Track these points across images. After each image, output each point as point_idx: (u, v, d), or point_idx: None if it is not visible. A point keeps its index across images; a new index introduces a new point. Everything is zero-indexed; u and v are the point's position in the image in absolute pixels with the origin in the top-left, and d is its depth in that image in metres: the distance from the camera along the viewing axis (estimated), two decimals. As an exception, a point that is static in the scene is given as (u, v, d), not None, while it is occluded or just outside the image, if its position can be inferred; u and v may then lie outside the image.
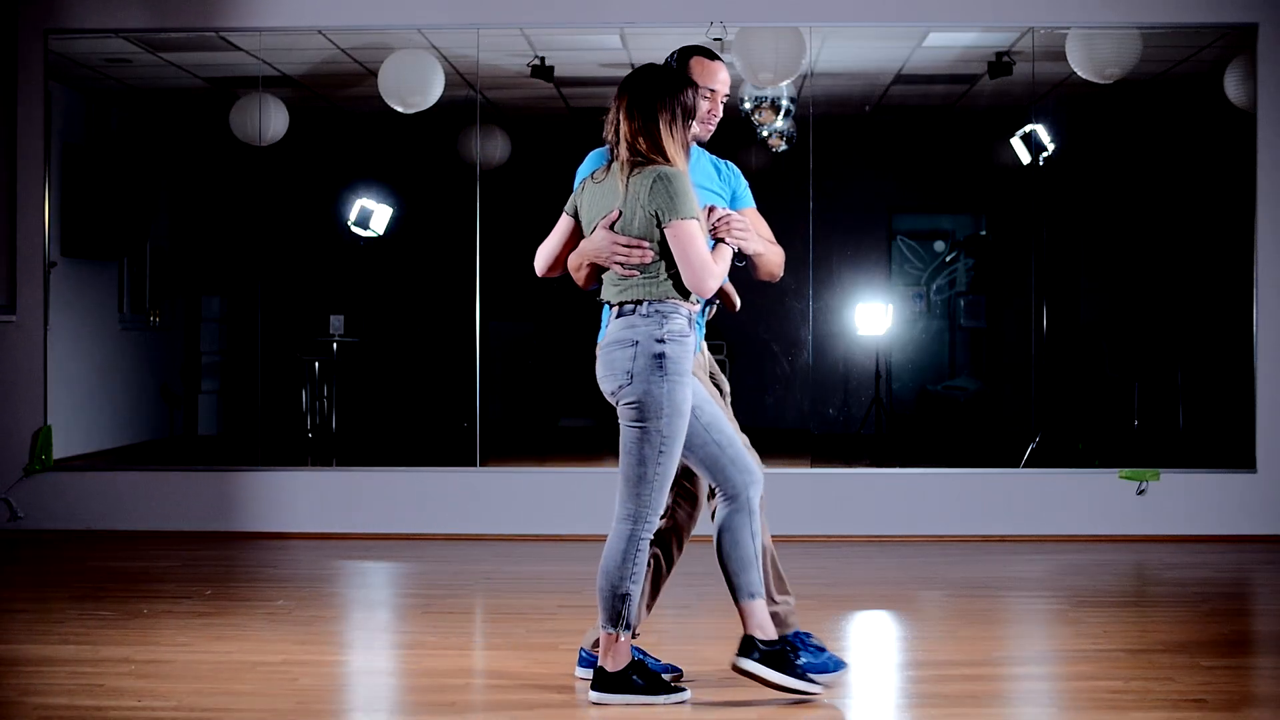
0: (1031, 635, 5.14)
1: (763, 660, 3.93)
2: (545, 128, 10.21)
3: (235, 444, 10.27)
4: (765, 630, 3.95)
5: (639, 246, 3.84)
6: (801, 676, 3.94)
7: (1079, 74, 7.45)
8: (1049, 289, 8.60)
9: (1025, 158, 8.22)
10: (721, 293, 4.19)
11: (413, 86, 7.72)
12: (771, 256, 4.20)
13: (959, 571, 6.29)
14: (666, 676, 4.11)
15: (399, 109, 7.79)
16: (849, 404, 9.73)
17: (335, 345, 9.84)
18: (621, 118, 3.92)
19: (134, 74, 8.83)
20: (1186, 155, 9.23)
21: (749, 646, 3.94)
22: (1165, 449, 8.98)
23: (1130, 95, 8.46)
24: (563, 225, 4.05)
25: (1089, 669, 4.36)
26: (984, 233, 10.80)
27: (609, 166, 3.95)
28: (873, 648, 4.89)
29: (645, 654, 4.19)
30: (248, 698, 4.00)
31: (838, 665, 4.06)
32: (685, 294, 3.89)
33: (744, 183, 4.33)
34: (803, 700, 3.94)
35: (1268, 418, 7.22)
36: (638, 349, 3.83)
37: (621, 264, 3.86)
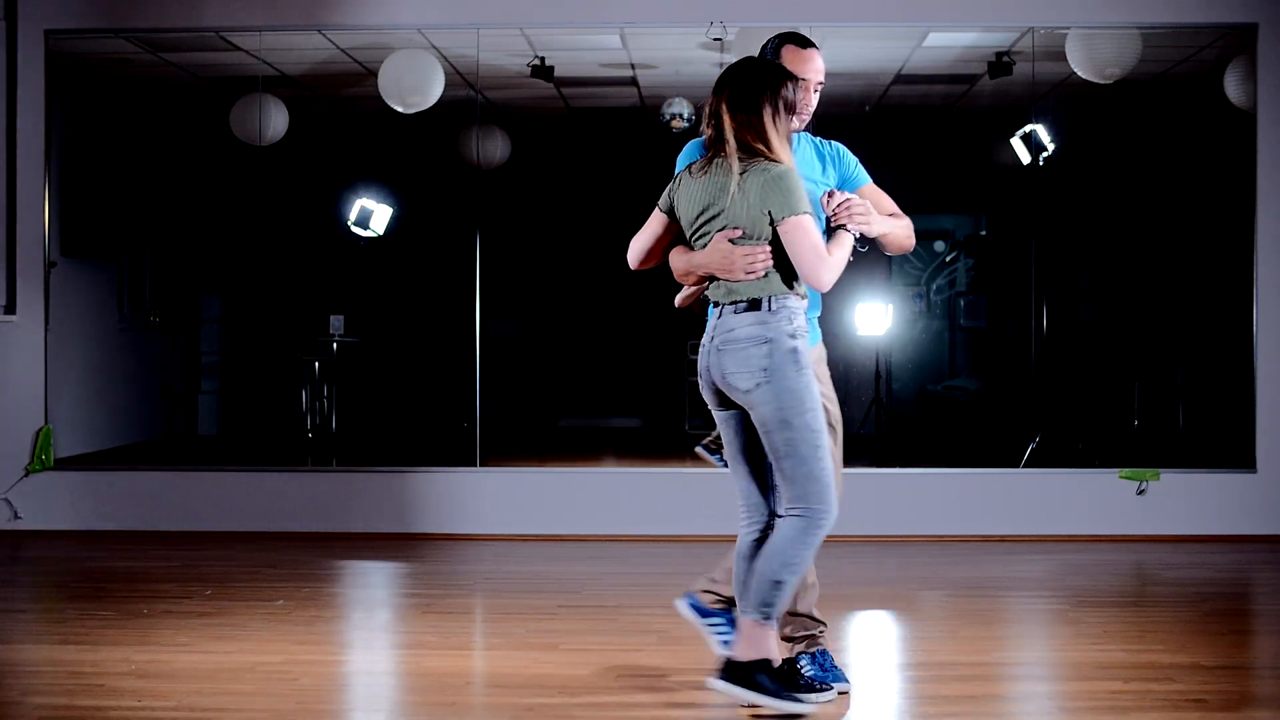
0: (1031, 635, 5.14)
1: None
2: (545, 128, 10.22)
3: (235, 444, 10.27)
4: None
5: (761, 252, 3.79)
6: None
7: (1079, 74, 7.45)
8: (1049, 289, 8.59)
9: (1025, 158, 8.22)
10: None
11: (413, 86, 7.72)
12: (898, 233, 4.14)
13: (959, 571, 6.29)
14: (835, 687, 4.01)
15: (399, 109, 7.79)
16: (849, 404, 9.72)
17: (335, 345, 9.84)
18: (724, 113, 3.84)
19: (134, 74, 8.84)
20: (1186, 155, 9.23)
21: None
22: (1165, 449, 8.99)
23: (1130, 95, 8.46)
24: (656, 221, 3.99)
25: (1089, 669, 4.36)
26: (984, 233, 10.80)
27: (708, 162, 3.87)
28: (873, 648, 4.89)
29: (822, 655, 4.09)
30: (248, 698, 4.00)
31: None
32: (800, 288, 3.86)
33: (852, 160, 4.25)
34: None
35: (1268, 418, 7.22)
36: (772, 345, 3.78)
37: (747, 272, 3.80)
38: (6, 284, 7.44)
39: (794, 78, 3.92)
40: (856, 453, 9.36)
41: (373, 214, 9.09)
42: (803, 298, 3.87)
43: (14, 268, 7.45)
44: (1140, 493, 7.17)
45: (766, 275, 3.81)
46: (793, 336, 3.80)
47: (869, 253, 4.18)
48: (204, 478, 7.38)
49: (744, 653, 3.79)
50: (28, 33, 7.44)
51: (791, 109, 3.88)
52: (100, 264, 9.29)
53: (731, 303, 3.84)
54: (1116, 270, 9.98)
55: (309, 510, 7.28)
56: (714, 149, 3.88)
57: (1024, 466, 7.62)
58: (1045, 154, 8.18)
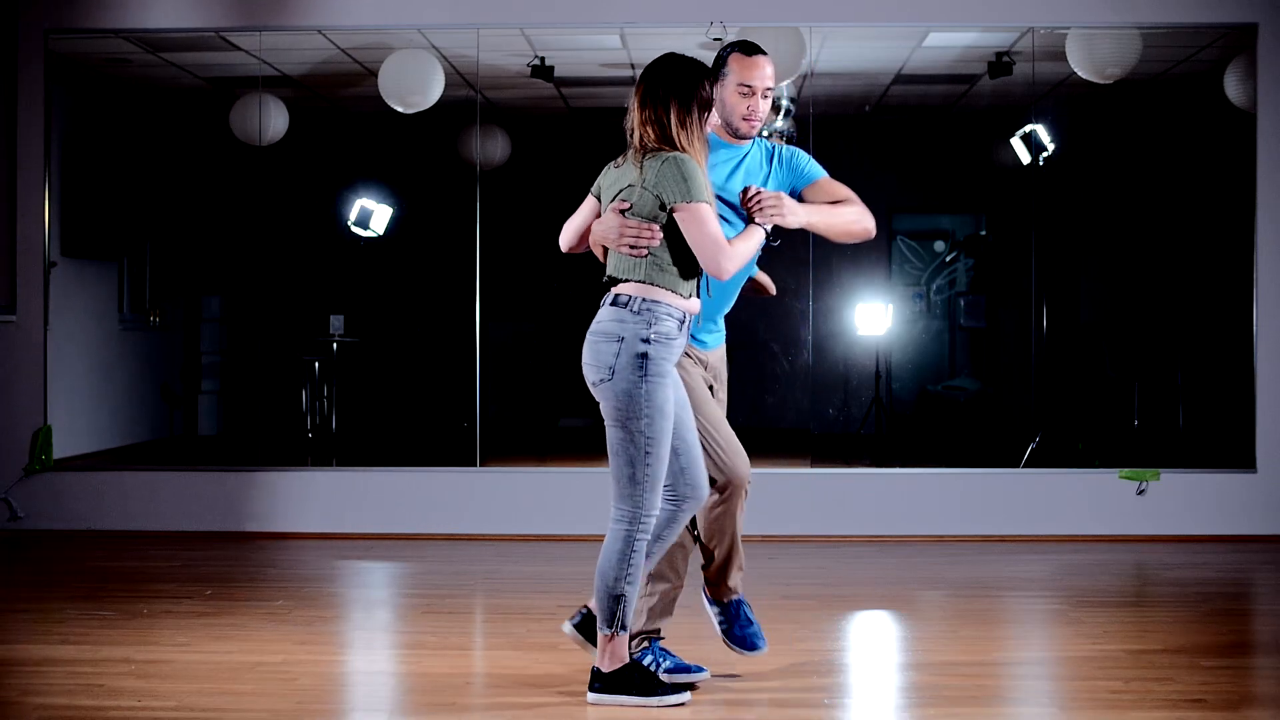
0: (1031, 635, 5.14)
1: (605, 689, 3.93)
2: (545, 128, 10.21)
3: (235, 444, 10.27)
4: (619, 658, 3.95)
5: (647, 229, 3.84)
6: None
7: (1079, 74, 7.45)
8: (1049, 289, 8.59)
9: (1025, 158, 8.22)
10: (753, 281, 4.20)
11: (413, 86, 7.72)
12: (837, 221, 4.11)
13: (959, 571, 6.29)
14: (689, 675, 4.12)
15: (399, 109, 7.79)
16: (849, 404, 9.74)
17: (335, 345, 9.83)
18: (635, 106, 3.92)
19: (134, 74, 8.83)
20: (1186, 155, 9.23)
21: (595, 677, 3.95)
22: (1165, 449, 8.98)
23: (1130, 95, 8.46)
24: (587, 205, 4.08)
25: (1089, 669, 4.36)
26: (984, 233, 10.80)
27: (624, 153, 3.98)
28: (873, 648, 4.89)
29: (669, 652, 4.20)
30: (248, 698, 4.00)
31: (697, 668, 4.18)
32: (686, 288, 3.88)
33: (805, 158, 4.24)
34: (792, 703, 3.94)
35: (1268, 418, 7.22)
36: (622, 345, 3.83)
37: (630, 245, 3.86)
38: (6, 284, 7.44)
39: (710, 77, 3.96)
40: (857, 453, 9.36)
41: (373, 214, 9.09)
42: (685, 299, 3.89)
43: (14, 268, 7.45)
44: (1140, 493, 7.17)
45: (656, 264, 3.84)
46: (646, 341, 3.82)
47: (860, 249, 4.20)
48: (204, 478, 7.38)
49: (609, 664, 3.91)
50: (28, 33, 7.44)
51: (706, 107, 3.92)
52: (100, 264, 9.29)
53: (611, 291, 3.91)
54: (1116, 270, 9.97)
55: (309, 510, 7.28)
56: (629, 137, 3.97)
57: (1024, 466, 7.62)
58: (1045, 154, 8.18)
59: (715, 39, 7.29)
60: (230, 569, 6.30)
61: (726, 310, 4.23)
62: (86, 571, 6.32)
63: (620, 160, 4.00)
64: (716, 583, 4.23)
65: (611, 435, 3.88)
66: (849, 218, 4.13)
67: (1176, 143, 9.31)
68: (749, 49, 4.17)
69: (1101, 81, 7.47)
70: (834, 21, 7.40)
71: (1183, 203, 9.34)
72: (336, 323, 9.80)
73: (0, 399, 7.42)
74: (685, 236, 3.83)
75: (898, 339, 10.07)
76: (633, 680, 3.90)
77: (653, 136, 3.87)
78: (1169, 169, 9.47)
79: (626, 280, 3.88)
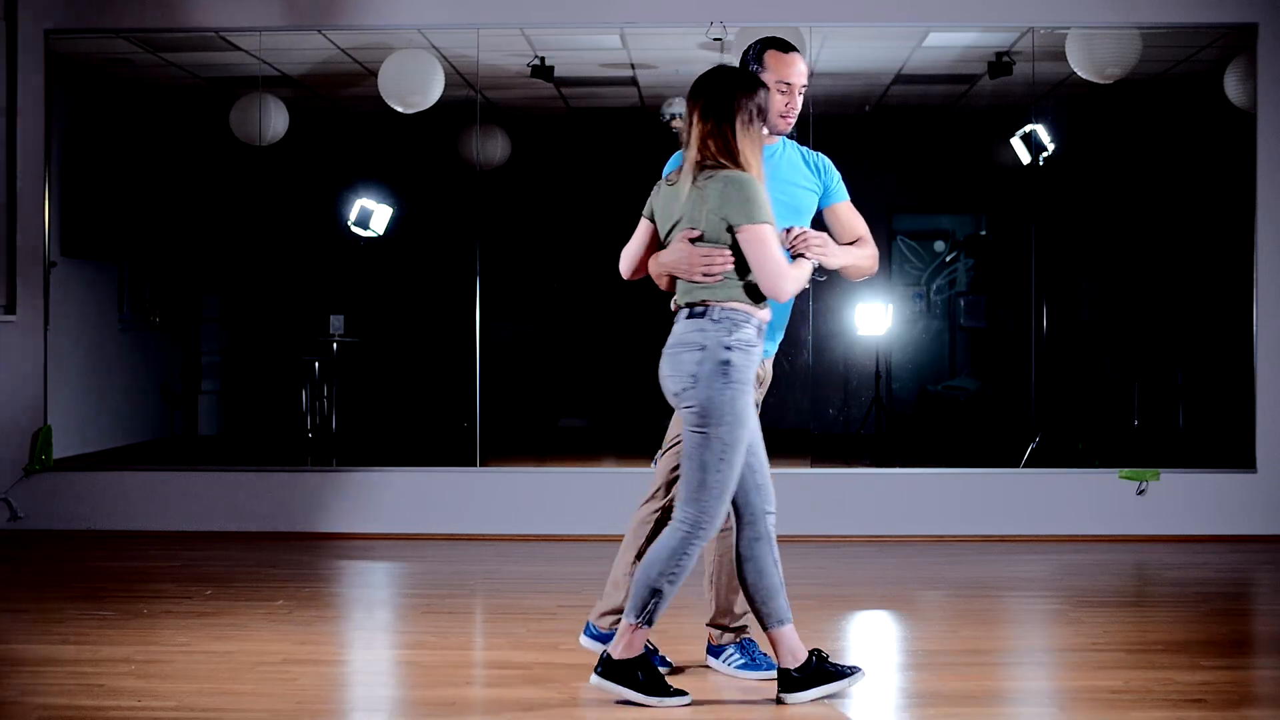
0: (1031, 635, 5.14)
1: (800, 685, 3.94)
2: (545, 128, 10.21)
3: (235, 444, 10.27)
4: (796, 656, 3.96)
5: (719, 255, 3.83)
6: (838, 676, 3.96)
7: (1079, 74, 7.45)
8: (1049, 289, 8.59)
9: (1025, 158, 8.22)
10: None
11: (413, 86, 7.72)
12: (861, 264, 4.24)
13: (959, 571, 6.30)
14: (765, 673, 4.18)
15: (399, 109, 7.79)
16: (849, 404, 9.74)
17: (335, 345, 9.84)
18: (695, 121, 3.88)
19: (134, 74, 8.84)
20: (1186, 155, 9.23)
21: (786, 680, 3.95)
22: (1165, 449, 8.98)
23: (1130, 95, 8.46)
24: (642, 229, 4.04)
25: (1089, 669, 4.36)
26: (984, 233, 10.80)
27: (680, 170, 3.94)
28: (873, 648, 4.89)
29: (656, 650, 4.22)
30: (248, 698, 4.00)
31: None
32: (757, 300, 3.89)
33: (836, 176, 4.30)
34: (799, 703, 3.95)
35: (1268, 418, 7.22)
36: (705, 353, 3.83)
37: (704, 274, 3.84)
38: (6, 284, 7.44)
39: (766, 86, 3.97)
40: (857, 453, 9.36)
41: (373, 214, 9.09)
42: (760, 308, 3.90)
43: (14, 268, 7.45)
44: (1140, 493, 7.17)
45: (725, 280, 3.84)
46: (728, 348, 3.82)
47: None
48: (204, 478, 7.38)
49: (622, 652, 3.90)
50: (28, 33, 7.44)
51: (763, 118, 3.92)
52: (100, 264, 9.29)
53: (686, 306, 3.90)
54: (1116, 270, 9.97)
55: (309, 510, 7.28)
56: (685, 153, 3.93)
57: (1024, 466, 7.62)
58: (1045, 154, 8.18)
59: (715, 39, 7.29)
60: (230, 569, 6.30)
61: (787, 319, 4.28)
62: (86, 571, 6.32)
63: (673, 177, 3.96)
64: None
65: (689, 441, 3.86)
66: (868, 263, 4.28)
67: (1176, 143, 9.31)
68: (784, 46, 4.18)
69: (1101, 81, 7.47)
70: (834, 21, 7.40)
71: (1183, 203, 9.34)
72: (336, 323, 9.80)
73: (0, 399, 7.42)
74: (746, 257, 3.83)
75: (898, 339, 10.07)
76: (637, 675, 3.89)
77: (714, 151, 3.84)
78: (1169, 169, 9.47)
79: (700, 299, 3.88)
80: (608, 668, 3.91)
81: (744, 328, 3.85)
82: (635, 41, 7.88)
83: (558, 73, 8.49)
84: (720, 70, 3.95)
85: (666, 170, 4.12)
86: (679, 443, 4.14)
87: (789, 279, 3.85)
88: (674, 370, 3.87)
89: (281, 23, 7.44)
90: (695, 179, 3.85)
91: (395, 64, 7.73)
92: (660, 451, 4.31)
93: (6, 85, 7.45)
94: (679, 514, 3.89)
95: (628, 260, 4.09)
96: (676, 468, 4.18)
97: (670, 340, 3.93)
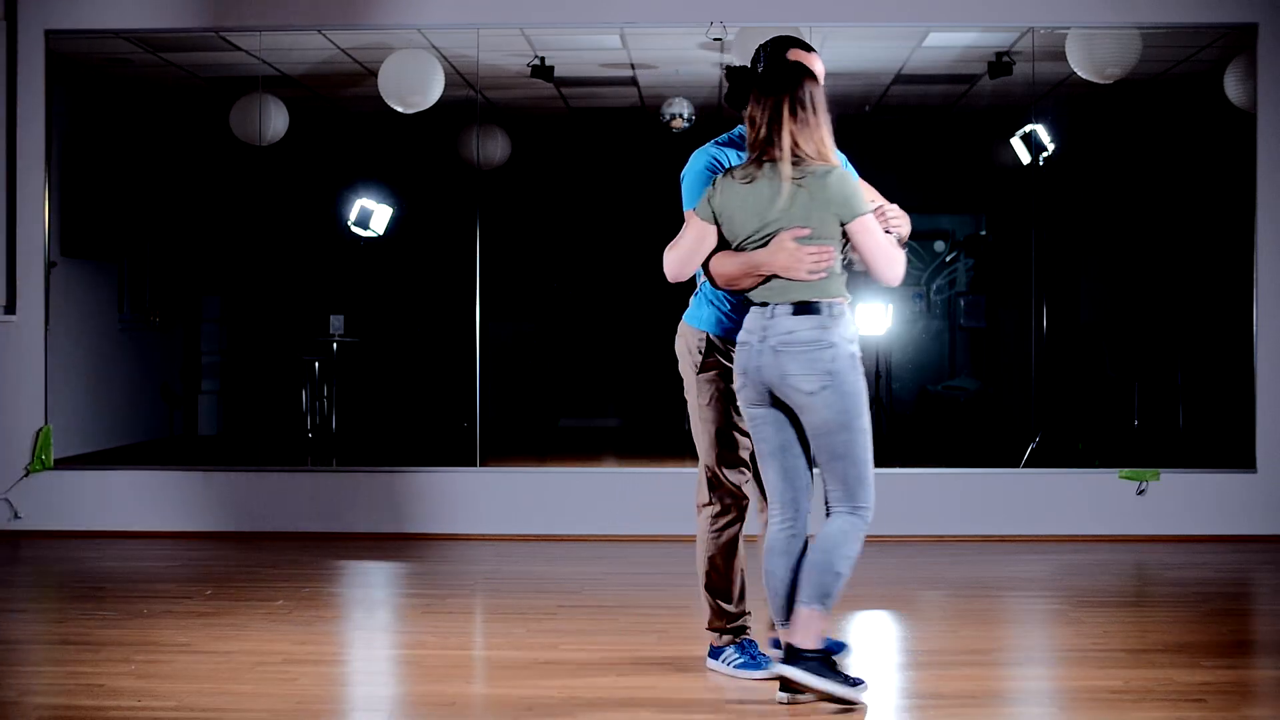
0: (1031, 635, 5.14)
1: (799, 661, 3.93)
2: (545, 128, 10.22)
3: (235, 444, 10.27)
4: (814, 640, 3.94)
5: (825, 252, 3.82)
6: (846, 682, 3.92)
7: (1079, 74, 7.45)
8: (1049, 289, 8.60)
9: (1025, 158, 8.22)
10: None
11: (413, 86, 7.72)
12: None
13: (959, 571, 6.29)
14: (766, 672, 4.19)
15: (399, 109, 7.79)
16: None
17: (335, 345, 9.84)
18: (786, 117, 3.83)
19: (134, 74, 8.84)
20: (1186, 155, 9.23)
21: (793, 654, 3.91)
22: (1165, 449, 8.99)
23: (1130, 95, 8.46)
24: (697, 229, 3.94)
25: (1089, 669, 4.36)
26: (984, 233, 10.80)
27: (757, 165, 3.86)
28: (873, 648, 4.89)
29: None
30: (248, 698, 4.00)
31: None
32: (843, 294, 3.92)
33: (853, 170, 4.30)
34: (807, 701, 3.94)
35: (1268, 418, 7.22)
36: (835, 350, 3.83)
37: (811, 272, 3.83)
38: (6, 284, 7.44)
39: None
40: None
41: (373, 214, 9.09)
42: (848, 299, 3.95)
43: (14, 268, 7.45)
44: (1140, 493, 7.17)
45: (828, 276, 3.85)
46: (850, 341, 3.87)
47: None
48: (204, 478, 7.38)
49: (810, 641, 3.86)
50: (28, 33, 7.44)
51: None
52: (100, 264, 9.29)
53: (789, 304, 3.86)
54: (1116, 270, 9.98)
55: (309, 510, 7.28)
56: (761, 151, 3.86)
57: (1024, 466, 7.62)
58: (1045, 154, 8.18)
59: (715, 39, 7.29)
60: (230, 569, 6.30)
61: None
62: (86, 571, 6.32)
63: (743, 176, 3.88)
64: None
65: (835, 441, 3.85)
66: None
67: (1176, 143, 9.32)
68: (805, 45, 4.18)
69: (1101, 81, 7.47)
70: (834, 21, 7.40)
71: (1183, 203, 9.35)
72: (336, 323, 9.81)
73: (0, 399, 7.43)
74: (859, 248, 3.86)
75: (898, 339, 10.07)
76: (830, 664, 3.88)
77: (804, 146, 3.83)
78: (1169, 169, 9.48)
79: (810, 296, 3.86)
80: (799, 659, 3.86)
81: (850, 321, 3.90)
82: (635, 41, 7.88)
83: (558, 73, 8.49)
84: (790, 66, 3.93)
85: (701, 168, 4.06)
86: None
87: (899, 262, 3.90)
88: (806, 369, 3.82)
89: (281, 23, 7.44)
90: (799, 177, 3.82)
91: (395, 64, 7.73)
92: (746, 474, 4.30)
93: (6, 85, 7.45)
94: (842, 505, 3.89)
95: (681, 263, 3.96)
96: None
97: (777, 339, 3.84)
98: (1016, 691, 4.23)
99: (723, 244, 3.95)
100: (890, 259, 3.88)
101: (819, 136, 3.85)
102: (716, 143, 4.23)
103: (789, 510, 3.97)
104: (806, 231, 3.82)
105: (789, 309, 3.85)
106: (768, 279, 3.87)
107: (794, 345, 3.83)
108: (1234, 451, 7.32)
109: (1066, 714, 3.88)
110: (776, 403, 3.91)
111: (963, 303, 10.59)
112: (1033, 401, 8.23)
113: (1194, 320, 9.24)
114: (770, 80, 3.89)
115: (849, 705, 3.85)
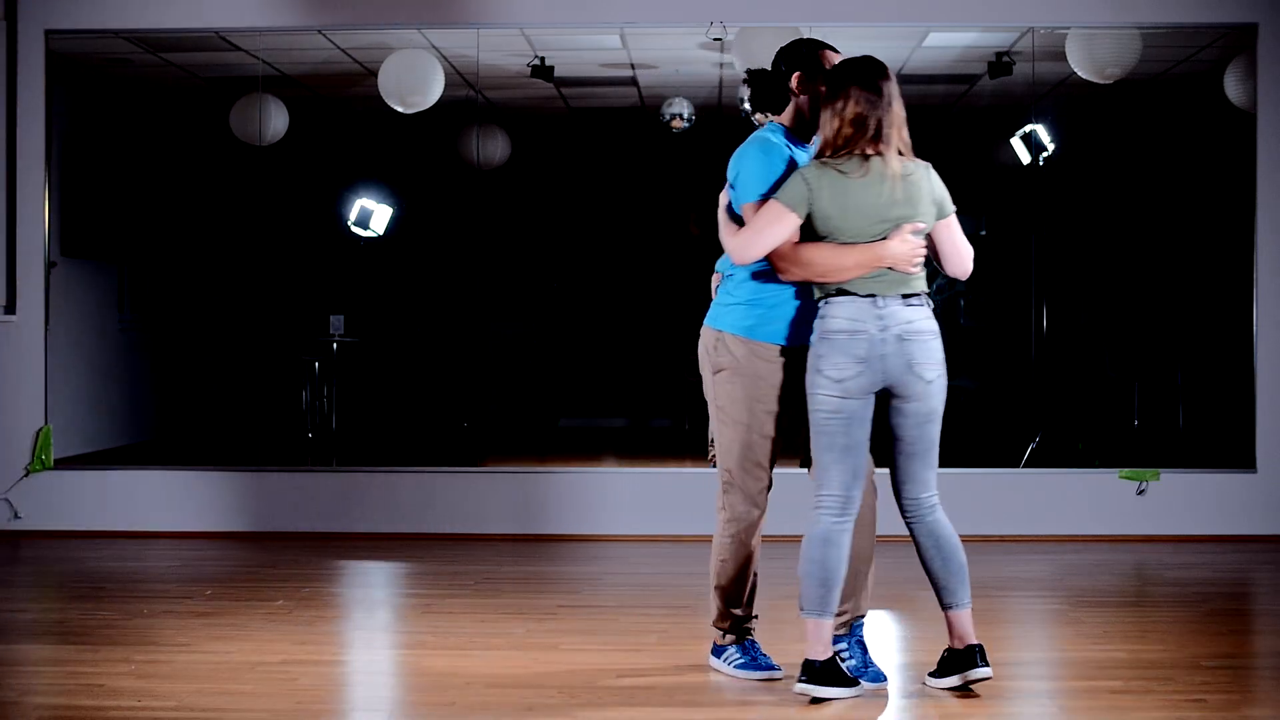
0: (1031, 635, 5.14)
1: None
2: (545, 128, 10.21)
3: (235, 444, 10.27)
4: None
5: (923, 244, 3.97)
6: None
7: (1079, 74, 7.45)
8: (1049, 289, 8.59)
9: (1025, 158, 8.22)
10: None
11: (413, 86, 7.72)
12: None
13: (959, 571, 6.28)
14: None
15: (399, 109, 7.79)
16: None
17: (335, 345, 9.84)
18: (896, 108, 3.93)
19: (134, 74, 8.84)
20: (1186, 155, 9.23)
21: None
22: (1165, 449, 8.98)
23: (1130, 95, 8.46)
24: (790, 222, 3.91)
25: (1089, 669, 4.36)
26: (984, 233, 10.80)
27: (864, 159, 3.90)
28: (873, 648, 4.88)
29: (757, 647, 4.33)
30: (248, 698, 4.00)
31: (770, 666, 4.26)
32: None
33: None
34: (802, 700, 3.94)
35: (1268, 418, 7.22)
36: (940, 340, 3.98)
37: (915, 264, 3.96)
38: (6, 284, 7.44)
39: None
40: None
41: (373, 214, 9.09)
42: None
43: (14, 268, 7.45)
44: (1140, 493, 7.17)
45: (920, 269, 3.99)
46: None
47: None
48: (204, 478, 7.38)
49: (975, 636, 4.03)
50: (28, 33, 7.44)
51: None
52: (100, 264, 9.29)
53: (903, 295, 3.94)
54: (1116, 270, 9.97)
55: (309, 510, 7.28)
56: (861, 145, 3.90)
57: (1024, 466, 7.62)
58: (1045, 154, 8.18)
59: (715, 39, 7.29)
60: (230, 569, 6.30)
61: None
62: (86, 571, 6.32)
63: (854, 170, 3.90)
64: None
65: (934, 430, 3.99)
66: None
67: (1176, 143, 9.31)
68: (833, 47, 4.19)
69: (1101, 81, 7.47)
70: (834, 21, 7.39)
71: (1183, 203, 9.34)
72: (336, 323, 9.80)
73: (0, 399, 7.43)
74: (946, 242, 4.01)
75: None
76: (834, 671, 4.02)
77: (905, 140, 3.97)
78: (1169, 169, 9.47)
79: (918, 289, 3.97)
80: (981, 655, 4.03)
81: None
82: (635, 41, 7.88)
83: (558, 73, 8.49)
84: (872, 61, 3.97)
85: (772, 157, 4.02)
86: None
87: (972, 256, 4.05)
88: (929, 358, 3.92)
89: (281, 23, 7.44)
90: (908, 172, 3.93)
91: (395, 64, 7.73)
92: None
93: (6, 85, 7.45)
94: (935, 497, 4.01)
95: (762, 250, 3.92)
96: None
97: (900, 329, 3.90)
98: (1016, 691, 4.23)
99: (805, 236, 3.95)
100: (968, 254, 4.06)
101: (906, 131, 3.97)
102: (774, 134, 4.14)
103: (850, 506, 4.06)
104: (924, 226, 3.94)
105: (899, 300, 3.94)
106: (874, 272, 3.93)
107: (917, 335, 3.93)
108: (1234, 451, 7.32)
109: (1066, 714, 3.88)
110: (875, 395, 3.95)
111: (963, 303, 10.58)
112: (1033, 401, 8.23)
113: (1194, 320, 9.23)
114: (863, 74, 3.92)
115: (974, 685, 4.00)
